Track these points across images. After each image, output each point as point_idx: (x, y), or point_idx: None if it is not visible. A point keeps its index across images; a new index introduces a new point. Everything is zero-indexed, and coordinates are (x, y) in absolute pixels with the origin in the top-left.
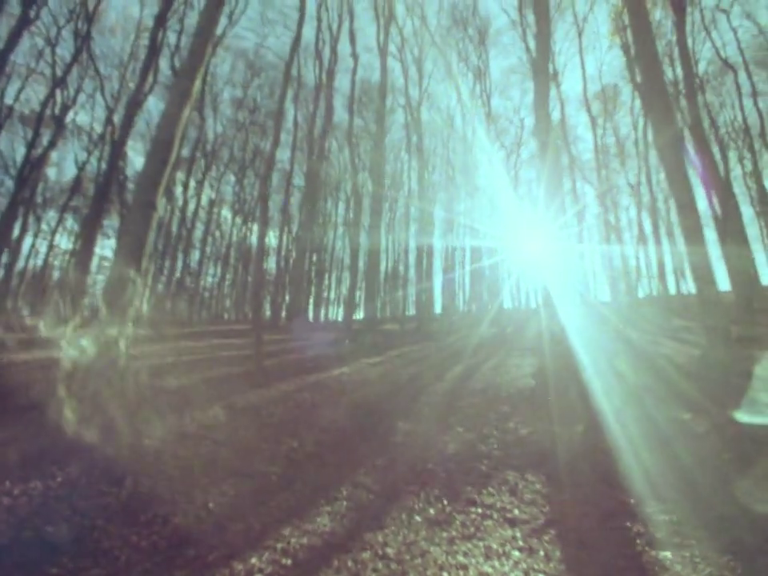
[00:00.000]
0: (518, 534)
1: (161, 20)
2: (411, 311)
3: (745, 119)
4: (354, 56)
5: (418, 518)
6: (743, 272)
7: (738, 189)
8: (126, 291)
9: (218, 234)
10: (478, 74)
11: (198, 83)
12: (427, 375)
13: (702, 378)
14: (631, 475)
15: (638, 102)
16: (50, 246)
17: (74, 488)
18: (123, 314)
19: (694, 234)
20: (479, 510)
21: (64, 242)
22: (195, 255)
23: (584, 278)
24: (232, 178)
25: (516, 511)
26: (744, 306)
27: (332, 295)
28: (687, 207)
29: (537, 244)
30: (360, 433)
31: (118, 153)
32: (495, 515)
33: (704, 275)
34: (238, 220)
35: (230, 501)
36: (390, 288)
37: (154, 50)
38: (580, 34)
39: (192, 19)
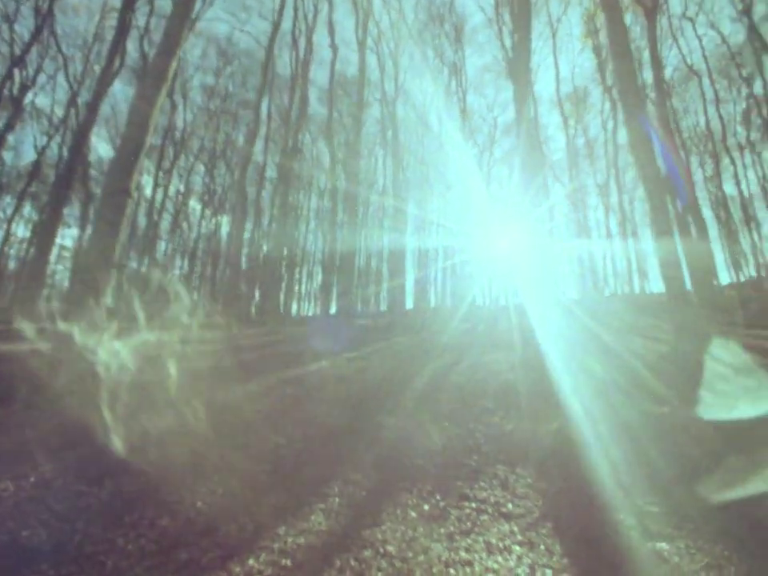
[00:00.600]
0: (515, 528)
1: (130, 0)
2: (383, 307)
3: (708, 125)
4: (333, 47)
5: (413, 514)
6: (705, 271)
7: (699, 193)
8: (101, 281)
9: (185, 225)
10: (454, 70)
11: (174, 65)
12: (406, 370)
13: (668, 373)
14: (602, 470)
15: (607, 105)
16: (6, 235)
17: (48, 488)
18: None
19: (663, 230)
20: (473, 505)
21: (21, 230)
22: (162, 247)
23: (553, 276)
24: (202, 168)
25: (510, 505)
26: (704, 304)
27: (303, 290)
28: (658, 204)
29: (508, 242)
30: (347, 428)
31: (82, 138)
32: (490, 509)
33: (673, 272)
34: (208, 212)
35: (220, 500)
36: (363, 283)
37: (122, 32)
38: (554, 35)
39: (163, 1)
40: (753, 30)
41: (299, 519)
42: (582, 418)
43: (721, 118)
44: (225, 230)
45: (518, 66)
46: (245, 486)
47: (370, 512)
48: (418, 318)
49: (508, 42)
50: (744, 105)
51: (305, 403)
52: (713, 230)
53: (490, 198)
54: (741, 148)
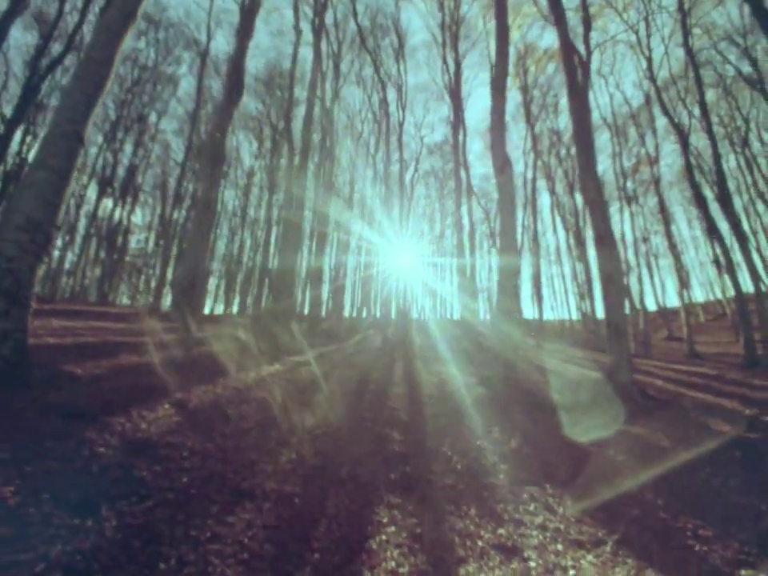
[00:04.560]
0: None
1: None
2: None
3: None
4: (297, 29)
5: (480, 544)
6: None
7: None
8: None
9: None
10: (395, 84)
11: (144, 3)
12: (367, 377)
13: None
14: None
15: (529, 142)
16: None
17: None
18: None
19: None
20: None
21: None
22: None
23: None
24: (99, 139)
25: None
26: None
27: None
28: (604, 238)
29: (420, 260)
30: (352, 441)
31: None
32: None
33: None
34: (105, 195)
35: (258, 541)
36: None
37: None
38: (492, 69)
39: None
40: (657, 92)
41: (374, 558)
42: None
43: (622, 168)
44: (123, 213)
45: (497, 82)
46: (276, 516)
47: (442, 545)
48: (334, 324)
49: (451, 65)
50: (633, 160)
51: (291, 412)
52: None
53: (413, 215)
54: (628, 199)
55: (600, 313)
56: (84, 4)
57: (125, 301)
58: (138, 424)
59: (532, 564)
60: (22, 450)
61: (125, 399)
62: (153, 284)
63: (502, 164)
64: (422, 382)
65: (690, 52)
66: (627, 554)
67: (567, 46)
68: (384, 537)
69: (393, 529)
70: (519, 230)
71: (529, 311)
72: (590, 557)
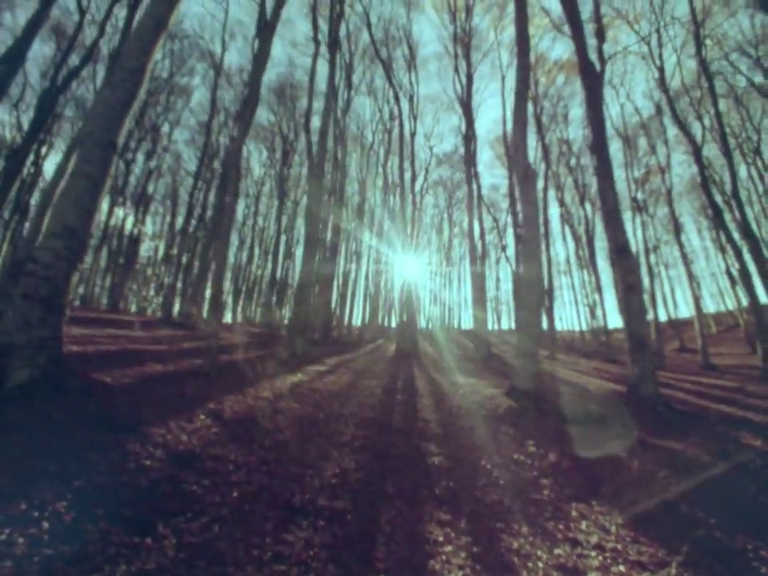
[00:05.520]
0: None
1: None
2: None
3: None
4: (316, 41)
5: (540, 565)
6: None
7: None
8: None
9: None
10: (407, 94)
11: (175, 12)
12: (391, 387)
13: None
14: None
15: (539, 153)
16: None
17: None
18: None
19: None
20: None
21: None
22: None
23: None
24: None
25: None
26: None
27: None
28: (624, 249)
29: (428, 269)
30: (390, 455)
31: None
32: None
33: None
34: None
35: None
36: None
37: None
38: (503, 79)
39: None
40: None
41: None
42: None
43: (630, 180)
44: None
45: (519, 91)
46: (334, 534)
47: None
48: (343, 333)
49: (463, 77)
50: (643, 170)
51: (324, 423)
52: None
53: (422, 224)
54: (639, 209)
55: (612, 323)
56: (104, 17)
57: (133, 308)
58: (178, 435)
59: None
60: (67, 462)
61: (160, 409)
62: (163, 292)
63: (525, 172)
64: (448, 393)
65: (703, 62)
66: None
67: (584, 58)
68: (443, 557)
69: (450, 548)
70: None
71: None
72: None
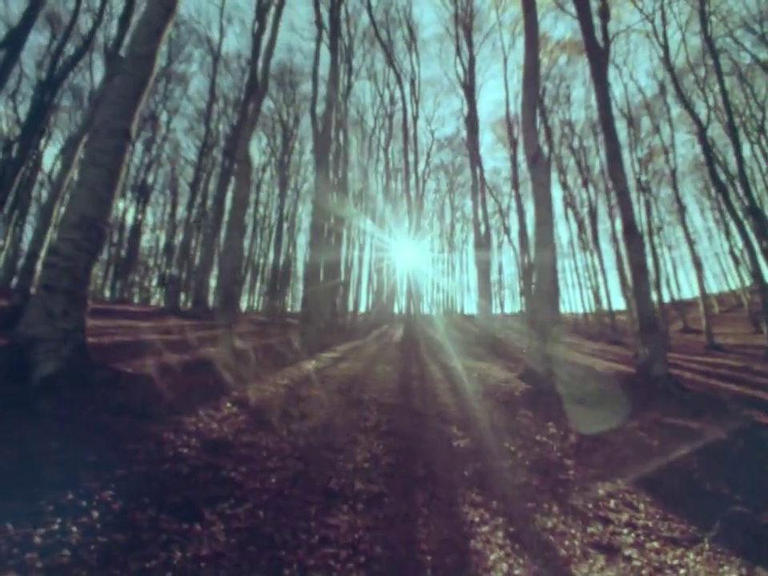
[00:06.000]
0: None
1: None
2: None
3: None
4: (319, 24)
5: (576, 543)
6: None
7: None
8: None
9: None
10: (408, 77)
11: None
12: (406, 372)
13: None
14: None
15: (542, 134)
16: None
17: None
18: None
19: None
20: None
21: None
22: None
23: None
24: None
25: None
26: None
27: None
28: (632, 229)
29: (430, 255)
30: (416, 439)
31: None
32: None
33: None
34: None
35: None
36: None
37: None
38: (505, 60)
39: None
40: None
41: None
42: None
43: (638, 160)
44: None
45: (528, 72)
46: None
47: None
48: (347, 320)
49: (466, 57)
50: (646, 151)
51: (347, 408)
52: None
53: (423, 210)
54: (642, 190)
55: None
56: (101, 4)
57: (136, 299)
58: (209, 424)
59: (637, 563)
60: (106, 452)
61: (186, 398)
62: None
63: (535, 155)
64: (462, 377)
65: (708, 39)
66: (730, 552)
67: (591, 38)
68: (483, 537)
69: (486, 528)
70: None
71: None
72: (691, 555)
